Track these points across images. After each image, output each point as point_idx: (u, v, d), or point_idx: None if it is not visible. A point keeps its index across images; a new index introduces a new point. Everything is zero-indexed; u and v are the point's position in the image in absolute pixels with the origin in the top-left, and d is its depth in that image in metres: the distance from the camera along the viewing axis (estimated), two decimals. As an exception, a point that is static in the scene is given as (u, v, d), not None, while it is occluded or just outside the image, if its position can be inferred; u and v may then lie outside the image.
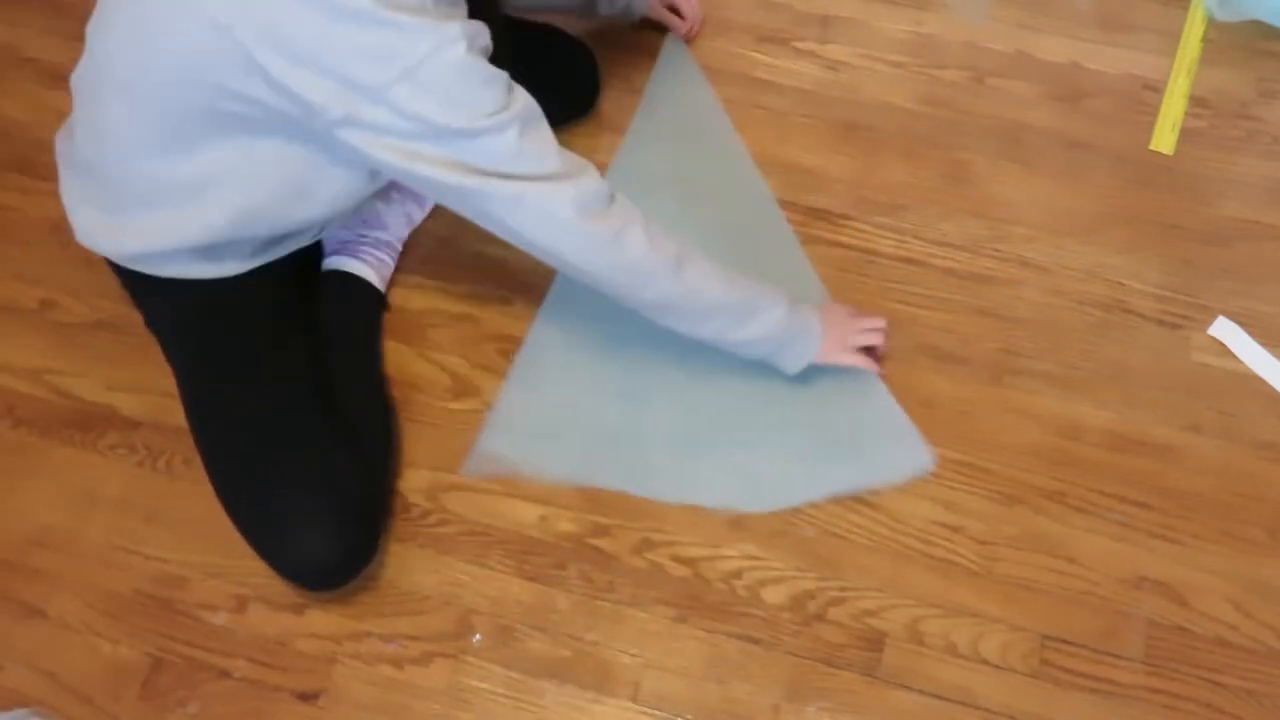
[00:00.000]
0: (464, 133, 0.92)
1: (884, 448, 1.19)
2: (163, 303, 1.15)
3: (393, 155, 0.93)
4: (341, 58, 0.88)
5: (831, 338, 1.17)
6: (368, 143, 0.93)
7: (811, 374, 1.19)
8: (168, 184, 1.02)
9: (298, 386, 1.11)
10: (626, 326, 1.18)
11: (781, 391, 1.20)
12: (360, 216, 1.29)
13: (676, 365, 1.21)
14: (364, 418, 1.15)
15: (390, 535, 1.15)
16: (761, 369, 1.18)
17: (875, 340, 1.21)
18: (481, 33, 0.93)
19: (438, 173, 0.94)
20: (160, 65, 0.94)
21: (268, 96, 0.91)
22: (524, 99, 0.96)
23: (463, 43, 0.89)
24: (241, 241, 1.08)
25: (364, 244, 1.28)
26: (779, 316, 1.12)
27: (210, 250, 1.08)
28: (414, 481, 1.18)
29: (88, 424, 1.22)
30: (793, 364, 1.17)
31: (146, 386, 1.22)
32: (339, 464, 1.07)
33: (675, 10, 1.53)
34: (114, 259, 1.12)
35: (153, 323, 1.18)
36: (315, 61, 0.88)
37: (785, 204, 1.39)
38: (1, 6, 1.60)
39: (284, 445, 1.06)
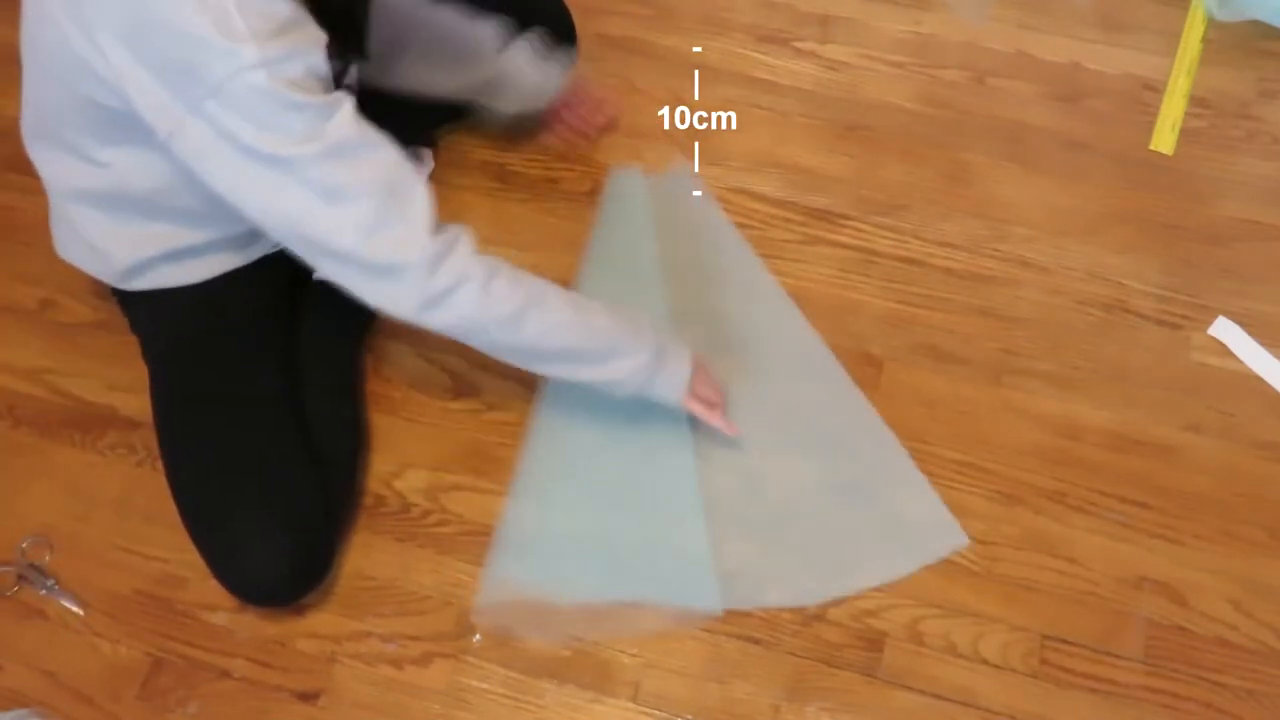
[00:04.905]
0: (275, 159, 0.87)
1: (920, 536, 1.14)
2: (146, 306, 1.15)
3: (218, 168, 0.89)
4: (159, 63, 0.84)
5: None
6: (194, 157, 0.89)
7: (840, 465, 1.17)
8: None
9: (265, 399, 1.10)
10: (628, 430, 1.18)
11: (810, 486, 1.16)
12: None
13: (691, 465, 1.17)
14: (330, 436, 1.14)
15: (390, 535, 1.15)
16: (793, 468, 1.18)
17: (714, 397, 1.15)
18: (295, 57, 0.86)
19: (264, 196, 0.90)
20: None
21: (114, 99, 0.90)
22: (342, 130, 0.89)
23: (261, 70, 0.83)
24: (185, 249, 1.08)
25: None
26: (641, 363, 1.06)
27: (172, 255, 1.08)
28: (414, 481, 1.18)
29: (88, 424, 1.22)
30: (660, 398, 1.10)
31: (146, 387, 1.22)
32: (295, 482, 1.06)
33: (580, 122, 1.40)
34: (98, 276, 1.14)
35: (135, 325, 1.18)
36: (142, 63, 0.85)
37: (785, 204, 1.39)
38: (1, 6, 1.60)
39: (241, 458, 1.06)
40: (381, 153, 0.92)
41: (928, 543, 1.14)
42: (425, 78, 1.26)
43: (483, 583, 1.11)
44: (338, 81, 1.00)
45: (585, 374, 1.05)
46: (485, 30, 1.28)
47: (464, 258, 0.95)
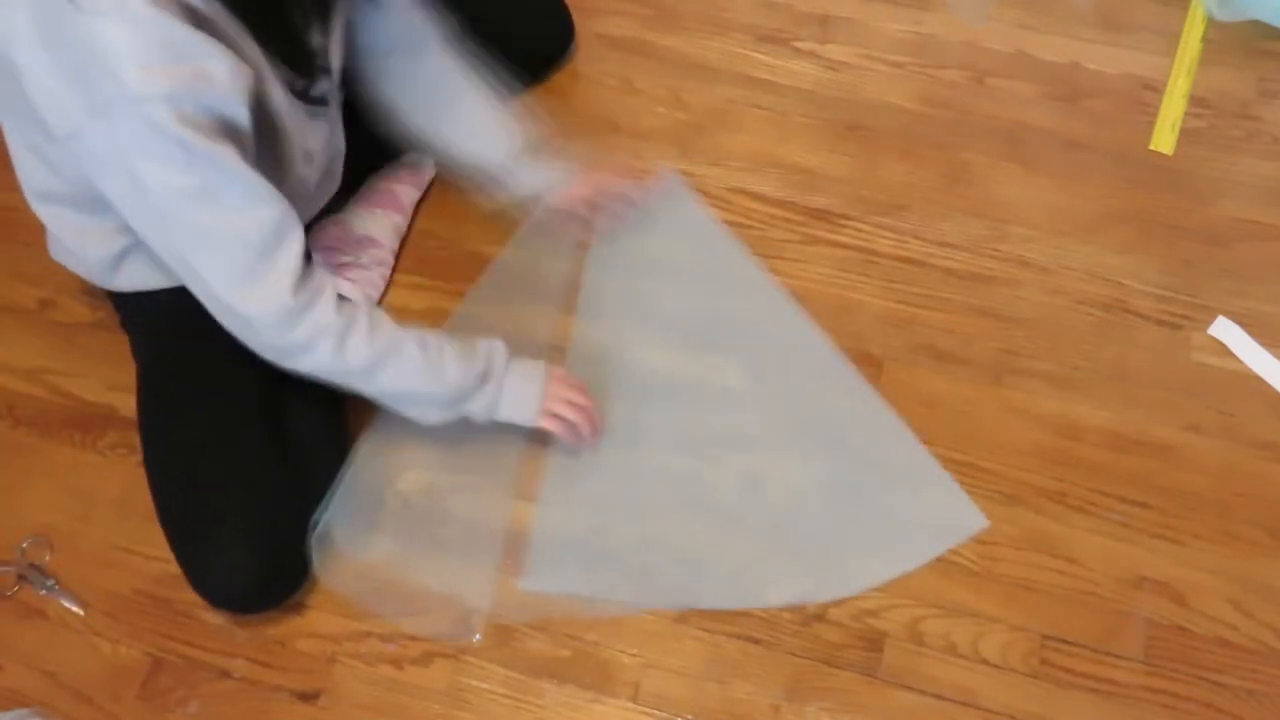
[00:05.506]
0: (150, 189, 0.88)
1: (935, 524, 1.15)
2: (133, 307, 1.15)
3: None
4: (60, 68, 0.83)
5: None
6: (86, 164, 0.89)
7: (845, 462, 1.18)
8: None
9: (245, 408, 1.09)
10: (647, 439, 1.18)
11: (813, 485, 1.17)
12: (352, 235, 1.29)
13: (711, 471, 1.18)
14: (311, 449, 1.14)
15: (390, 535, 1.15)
16: (797, 466, 1.18)
17: (569, 414, 1.13)
18: (189, 93, 0.84)
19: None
20: None
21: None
22: (221, 175, 0.88)
23: (148, 104, 0.83)
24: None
25: (352, 265, 1.27)
26: (485, 403, 1.08)
27: (143, 245, 1.06)
28: (415, 482, 1.18)
29: (88, 424, 1.22)
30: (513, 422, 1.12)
31: (146, 386, 1.22)
32: (270, 493, 1.06)
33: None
34: (81, 274, 1.14)
35: (125, 324, 1.18)
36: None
37: (785, 204, 1.39)
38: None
39: (217, 466, 1.06)
40: (260, 208, 0.92)
41: (945, 528, 1.14)
42: (431, 141, 1.24)
43: (506, 587, 1.11)
44: (304, 95, 1.00)
45: (435, 416, 1.07)
46: (503, 130, 1.23)
47: (321, 315, 0.97)
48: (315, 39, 1.01)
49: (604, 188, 1.30)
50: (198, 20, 0.84)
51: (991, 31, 1.58)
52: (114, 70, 0.81)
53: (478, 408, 1.08)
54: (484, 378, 1.07)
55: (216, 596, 1.06)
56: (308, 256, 0.97)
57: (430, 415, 1.07)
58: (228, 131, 0.89)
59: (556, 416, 1.12)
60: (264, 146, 0.96)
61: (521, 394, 1.10)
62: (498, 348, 1.10)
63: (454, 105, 1.21)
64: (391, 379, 1.03)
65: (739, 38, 1.57)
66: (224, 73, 0.86)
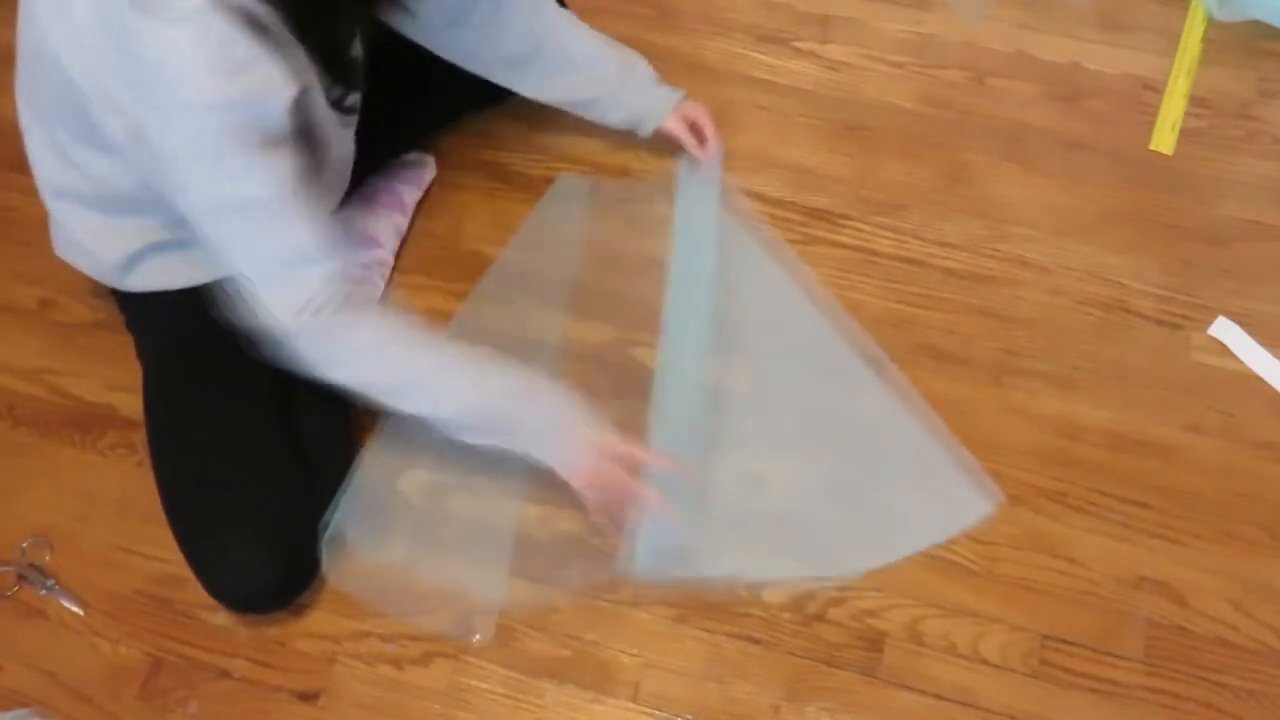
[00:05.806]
0: (190, 191, 0.91)
1: (953, 498, 1.16)
2: (141, 308, 1.15)
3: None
4: (121, 69, 0.84)
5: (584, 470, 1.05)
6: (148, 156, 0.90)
7: (853, 460, 1.17)
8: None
9: (254, 409, 1.09)
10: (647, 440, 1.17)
11: (819, 485, 1.16)
12: (352, 235, 1.28)
13: (710, 471, 1.17)
14: (322, 449, 1.14)
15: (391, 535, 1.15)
16: (786, 461, 1.18)
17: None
18: (241, 106, 0.86)
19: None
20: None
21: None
22: (254, 191, 0.90)
23: (200, 111, 0.85)
24: (172, 241, 1.07)
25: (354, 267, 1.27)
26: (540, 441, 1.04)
27: (160, 247, 1.08)
28: (424, 481, 1.18)
29: (88, 424, 1.22)
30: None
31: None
32: (280, 495, 1.06)
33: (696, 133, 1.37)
34: (92, 274, 1.14)
35: (131, 325, 1.18)
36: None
37: (785, 204, 1.39)
38: (1, 6, 1.60)
39: (227, 469, 1.06)
40: (287, 225, 0.93)
41: (956, 512, 1.15)
42: (543, 90, 1.31)
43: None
44: (339, 105, 1.01)
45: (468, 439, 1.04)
46: (608, 63, 1.31)
47: (347, 336, 0.97)
48: (356, 50, 1.02)
49: (707, 116, 1.36)
50: (256, 27, 0.85)
51: (991, 31, 1.58)
52: (174, 77, 0.83)
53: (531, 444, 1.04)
54: (535, 411, 1.03)
55: (227, 597, 1.06)
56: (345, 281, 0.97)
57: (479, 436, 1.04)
58: (275, 144, 0.90)
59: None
60: (303, 156, 0.97)
61: (578, 446, 1.04)
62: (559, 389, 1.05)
63: (557, 36, 1.27)
64: (429, 399, 1.02)
65: (739, 38, 1.57)
66: (278, 82, 0.87)
